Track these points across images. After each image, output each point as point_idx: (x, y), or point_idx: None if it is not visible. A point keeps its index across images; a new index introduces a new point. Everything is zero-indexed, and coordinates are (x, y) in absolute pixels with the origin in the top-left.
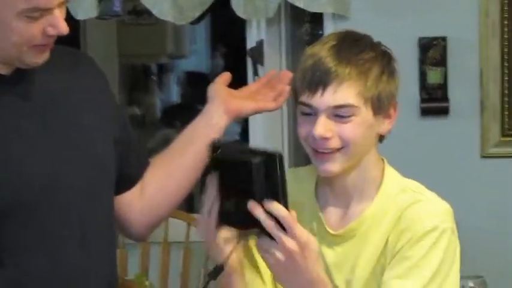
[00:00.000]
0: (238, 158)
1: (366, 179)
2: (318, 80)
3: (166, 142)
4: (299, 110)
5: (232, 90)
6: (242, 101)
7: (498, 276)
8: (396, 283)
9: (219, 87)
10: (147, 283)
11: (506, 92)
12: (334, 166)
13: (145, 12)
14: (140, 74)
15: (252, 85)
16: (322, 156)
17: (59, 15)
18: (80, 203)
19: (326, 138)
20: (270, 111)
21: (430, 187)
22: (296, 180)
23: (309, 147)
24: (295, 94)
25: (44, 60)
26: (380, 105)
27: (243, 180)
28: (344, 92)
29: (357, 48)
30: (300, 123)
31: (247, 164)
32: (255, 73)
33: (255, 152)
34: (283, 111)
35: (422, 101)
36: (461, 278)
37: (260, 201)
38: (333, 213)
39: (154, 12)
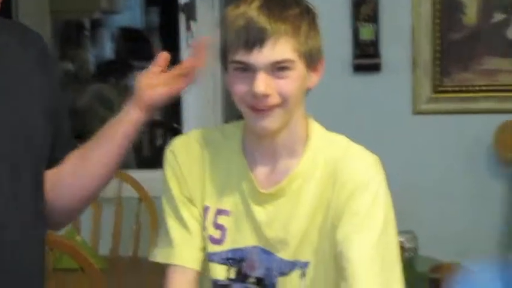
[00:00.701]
0: None
1: (294, 135)
2: (255, 38)
3: (98, 97)
4: (232, 68)
5: (154, 80)
6: (154, 90)
7: (428, 232)
8: (355, 238)
9: (141, 79)
10: (78, 238)
11: (437, 48)
12: (273, 122)
13: None
14: (73, 30)
15: (176, 68)
16: (261, 113)
17: None
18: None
19: (266, 95)
20: (185, 89)
21: (362, 143)
22: (224, 137)
23: (245, 106)
24: (224, 54)
25: None
26: (311, 60)
27: None
28: (282, 48)
29: (284, 4)
30: (235, 82)
31: None
32: (188, 28)
33: None
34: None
35: (355, 57)
36: None
37: None
38: (262, 172)
39: None
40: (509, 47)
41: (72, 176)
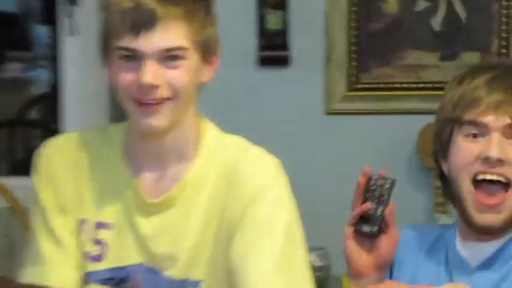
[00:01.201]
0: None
1: (185, 136)
2: (143, 21)
3: None
4: (115, 56)
5: None
6: None
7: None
8: (254, 251)
9: None
10: None
11: (354, 40)
12: (162, 120)
13: None
14: None
15: None
16: (148, 109)
17: None
18: None
19: (155, 86)
20: None
21: (267, 146)
22: (104, 140)
23: (130, 99)
24: (106, 41)
25: None
26: (206, 50)
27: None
28: (173, 33)
29: None
30: (119, 72)
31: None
32: (69, 15)
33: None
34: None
35: (261, 48)
36: None
37: None
38: (148, 179)
39: None
40: (435, 39)
41: None
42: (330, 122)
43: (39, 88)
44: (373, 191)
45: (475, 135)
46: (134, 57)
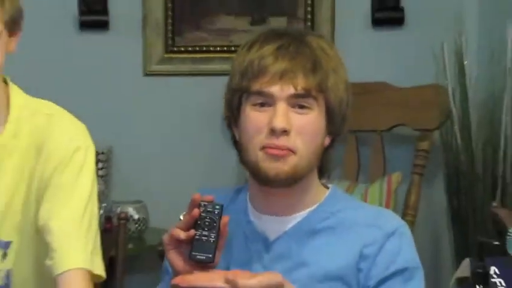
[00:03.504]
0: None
1: None
2: None
3: None
4: None
5: None
6: None
7: (160, 201)
8: (60, 211)
9: None
10: None
11: (170, 5)
12: None
13: None
14: None
15: None
16: None
17: None
18: None
19: None
20: None
21: (88, 107)
22: None
23: None
24: None
25: None
26: (13, 26)
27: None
28: None
29: None
30: None
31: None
32: None
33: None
34: None
35: (81, 13)
36: (120, 203)
37: None
38: None
39: None
40: (244, 5)
41: None
42: (148, 83)
43: None
44: (204, 218)
45: (262, 105)
46: None
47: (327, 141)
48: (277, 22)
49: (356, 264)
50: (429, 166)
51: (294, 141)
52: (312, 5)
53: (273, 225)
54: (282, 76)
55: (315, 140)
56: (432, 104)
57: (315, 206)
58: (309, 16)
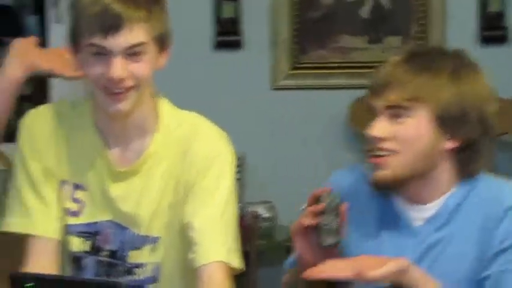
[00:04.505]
0: None
1: (145, 115)
2: (111, 24)
3: None
4: (87, 52)
5: (35, 47)
6: (40, 56)
7: (288, 201)
8: (202, 211)
9: (20, 42)
10: None
11: (296, 27)
12: (127, 105)
13: None
14: None
15: (59, 48)
16: (116, 97)
17: None
18: None
19: (122, 79)
20: (66, 78)
21: (223, 119)
22: (76, 113)
23: (99, 88)
24: (76, 38)
25: None
26: (162, 43)
27: None
28: (136, 33)
29: None
30: (90, 65)
31: None
32: (55, 5)
33: (88, 284)
34: None
35: (216, 34)
36: (252, 204)
37: None
38: (116, 150)
39: None
40: (363, 26)
41: None
42: (276, 96)
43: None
44: (326, 207)
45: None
46: (103, 53)
47: (449, 145)
48: (392, 41)
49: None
50: None
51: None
52: (425, 25)
53: (415, 213)
54: (383, 86)
55: (416, 145)
56: None
57: (446, 196)
58: (422, 35)
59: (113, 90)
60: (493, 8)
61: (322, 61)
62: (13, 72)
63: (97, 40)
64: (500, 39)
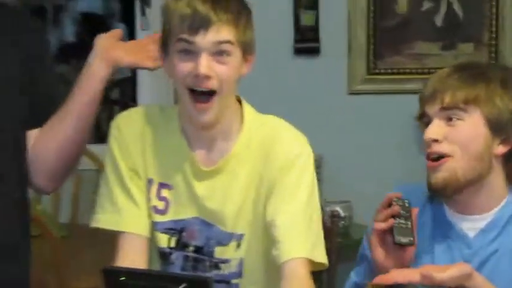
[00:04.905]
0: (161, 285)
1: (229, 120)
2: (200, 23)
3: (60, 77)
4: (175, 51)
5: (117, 42)
6: (122, 51)
7: (363, 201)
8: (284, 208)
9: (103, 38)
10: (38, 207)
11: (371, 33)
12: (212, 115)
13: None
14: (36, 14)
15: (141, 39)
16: (200, 106)
17: None
18: None
19: (208, 77)
20: (148, 69)
21: (302, 121)
22: (164, 117)
23: (185, 87)
24: (166, 40)
25: None
26: (247, 50)
27: None
28: (224, 33)
29: None
30: (178, 63)
31: None
32: (143, 14)
33: (179, 278)
34: None
35: (296, 41)
36: (330, 203)
37: None
38: (201, 151)
39: None
40: (437, 33)
41: (51, 132)
42: (352, 100)
43: (120, 74)
44: (399, 210)
45: (426, 123)
46: (191, 52)
47: (501, 149)
48: (465, 48)
49: None
50: None
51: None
52: (497, 32)
53: (468, 224)
54: (433, 94)
55: (470, 147)
56: None
57: (500, 206)
58: (493, 42)
59: (198, 87)
60: None
61: (397, 67)
62: (97, 70)
63: (186, 35)
64: None
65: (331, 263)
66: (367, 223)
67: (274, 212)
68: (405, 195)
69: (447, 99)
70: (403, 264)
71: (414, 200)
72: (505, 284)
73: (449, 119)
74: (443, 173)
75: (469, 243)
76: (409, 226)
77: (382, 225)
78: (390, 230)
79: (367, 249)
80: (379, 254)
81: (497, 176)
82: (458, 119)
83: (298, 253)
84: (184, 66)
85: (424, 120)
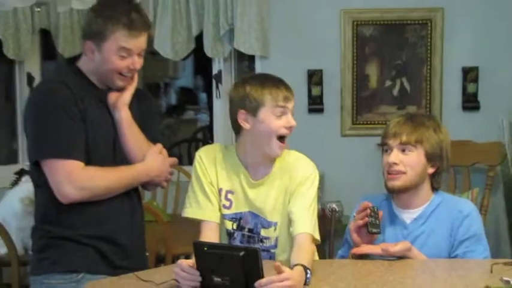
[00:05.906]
0: (227, 252)
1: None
2: (286, 95)
3: (168, 125)
4: (270, 112)
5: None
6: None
7: (349, 201)
8: (299, 207)
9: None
10: (154, 203)
11: (354, 99)
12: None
13: (157, 52)
14: (153, 88)
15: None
16: (282, 147)
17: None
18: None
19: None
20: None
21: (312, 153)
22: (226, 150)
23: (275, 136)
24: (256, 110)
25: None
26: None
27: (230, 268)
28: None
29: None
30: (273, 119)
31: (237, 256)
32: (217, 87)
33: (239, 248)
34: None
35: (309, 104)
36: (329, 202)
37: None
38: (251, 170)
39: (161, 52)
40: (394, 100)
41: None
42: (343, 140)
43: (202, 123)
44: (370, 212)
45: (386, 150)
46: (284, 113)
47: (431, 170)
48: (411, 109)
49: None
50: (494, 184)
51: (402, 168)
52: (430, 99)
53: (406, 215)
54: (394, 135)
55: (415, 169)
56: (496, 151)
57: (427, 204)
58: (428, 105)
59: (286, 134)
60: None
61: (370, 120)
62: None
63: (282, 102)
64: None
65: (330, 239)
66: (351, 215)
67: (292, 205)
68: (370, 200)
69: (404, 138)
70: (370, 243)
71: (376, 201)
72: (431, 253)
73: (403, 150)
74: (397, 182)
75: (406, 227)
76: (378, 222)
77: (360, 222)
78: (365, 225)
79: (348, 236)
80: (356, 238)
81: (427, 185)
82: (409, 151)
83: (305, 229)
84: (279, 123)
85: (385, 147)
